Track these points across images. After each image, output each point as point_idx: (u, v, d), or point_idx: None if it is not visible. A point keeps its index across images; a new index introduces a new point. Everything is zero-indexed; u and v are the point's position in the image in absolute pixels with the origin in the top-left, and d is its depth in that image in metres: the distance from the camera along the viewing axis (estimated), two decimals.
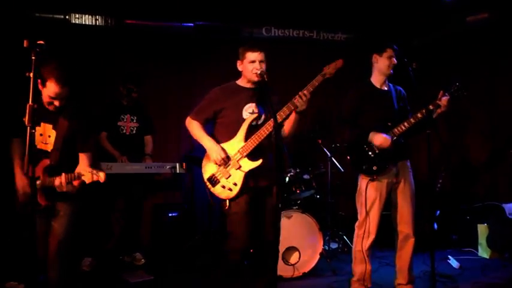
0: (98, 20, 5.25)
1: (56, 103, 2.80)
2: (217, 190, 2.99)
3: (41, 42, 2.40)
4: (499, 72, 5.43)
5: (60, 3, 5.08)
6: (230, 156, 2.97)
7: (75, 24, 5.16)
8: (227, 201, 2.97)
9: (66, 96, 2.83)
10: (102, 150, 4.58)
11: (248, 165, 2.94)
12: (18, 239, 3.82)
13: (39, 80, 2.73)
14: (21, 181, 2.85)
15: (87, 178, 2.79)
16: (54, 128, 2.89)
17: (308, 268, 4.13)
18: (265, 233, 2.99)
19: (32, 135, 2.37)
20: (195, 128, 3.11)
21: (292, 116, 2.97)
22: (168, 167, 4.47)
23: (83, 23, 5.20)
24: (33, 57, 2.38)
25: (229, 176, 2.96)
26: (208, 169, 3.04)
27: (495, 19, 5.28)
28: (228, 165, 2.97)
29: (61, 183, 2.75)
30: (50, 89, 2.75)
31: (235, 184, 2.94)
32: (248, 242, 2.98)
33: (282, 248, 3.67)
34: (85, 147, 2.96)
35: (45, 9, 5.04)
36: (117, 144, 4.57)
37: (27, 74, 2.37)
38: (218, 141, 3.04)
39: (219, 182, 2.98)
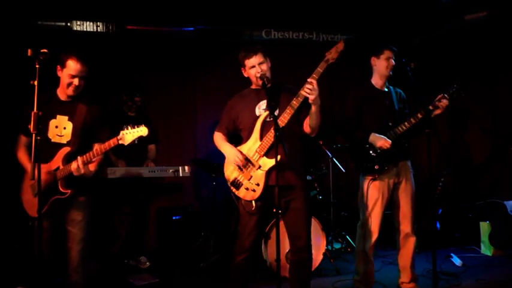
0: (99, 26, 5.30)
1: (76, 82, 2.91)
2: (241, 193, 2.98)
3: (45, 50, 2.45)
4: (498, 69, 5.45)
5: (62, 10, 5.13)
6: (249, 157, 2.97)
7: (76, 31, 5.22)
8: (253, 202, 2.94)
9: (85, 77, 2.95)
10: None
11: (268, 163, 2.91)
12: (26, 244, 3.87)
13: (58, 66, 2.91)
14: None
15: (126, 138, 2.83)
16: (70, 120, 2.96)
17: (312, 268, 4.15)
18: (294, 239, 2.94)
19: (37, 142, 2.41)
20: (217, 138, 3.19)
21: (312, 110, 2.91)
22: (170, 170, 4.51)
23: (85, 29, 5.26)
24: (37, 66, 2.43)
25: (251, 177, 2.95)
26: (230, 174, 3.04)
27: (493, 17, 5.31)
28: (247, 167, 2.97)
29: (78, 166, 2.80)
30: (71, 67, 2.88)
31: (257, 184, 2.92)
32: (253, 243, 3.00)
33: (285, 249, 3.69)
34: (101, 137, 3.01)
35: (47, 17, 5.10)
36: (118, 153, 4.62)
37: (31, 82, 2.43)
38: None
39: (242, 184, 2.98)
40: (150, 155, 4.89)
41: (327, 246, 4.34)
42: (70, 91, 2.95)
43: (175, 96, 5.75)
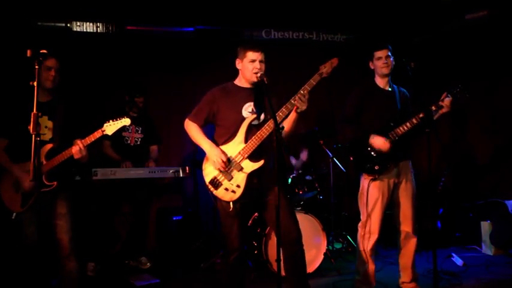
0: (99, 27, 5.29)
1: (52, 73, 3.05)
2: (220, 193, 2.96)
3: (44, 51, 2.46)
4: (500, 69, 5.44)
5: (62, 11, 5.13)
6: (231, 158, 2.96)
7: (76, 32, 5.21)
8: (231, 203, 2.94)
9: (59, 70, 3.10)
10: (105, 157, 4.63)
11: (250, 166, 2.93)
12: (22, 246, 3.88)
13: (36, 66, 2.91)
14: (18, 172, 3.03)
15: (109, 129, 3.03)
16: (50, 119, 3.09)
17: (313, 268, 4.15)
18: (285, 234, 2.93)
19: (37, 143, 2.42)
20: (193, 130, 3.10)
21: (292, 116, 2.97)
22: (171, 171, 4.50)
23: (84, 30, 5.25)
24: (36, 67, 2.44)
25: (232, 178, 2.94)
26: (210, 172, 3.01)
27: (494, 16, 5.30)
28: (229, 167, 2.95)
29: (80, 148, 2.95)
30: (47, 62, 3.01)
31: (238, 186, 2.93)
32: (242, 242, 3.02)
33: None
34: (81, 132, 3.10)
35: (47, 18, 5.09)
36: (120, 154, 4.62)
37: (31, 83, 2.43)
38: (219, 144, 3.03)
39: (221, 184, 2.96)
40: (152, 155, 4.90)
41: (327, 246, 4.33)
42: (49, 84, 3.06)
43: (175, 97, 5.74)
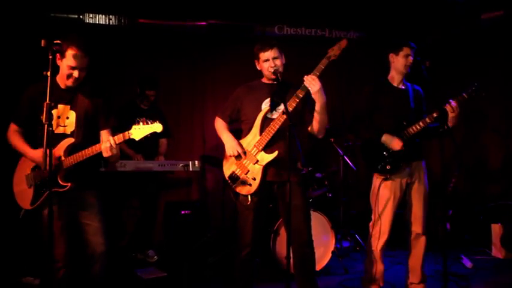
0: (111, 19, 5.29)
1: (75, 74, 2.71)
2: (238, 186, 3.02)
3: (58, 41, 2.45)
4: None
5: (75, 3, 5.14)
6: (247, 151, 3.00)
7: (89, 23, 5.22)
8: (249, 196, 2.98)
9: (85, 68, 2.75)
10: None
11: (265, 158, 2.95)
12: (34, 235, 3.89)
13: (57, 55, 2.67)
14: (35, 154, 2.73)
15: (137, 134, 2.67)
16: (72, 109, 2.80)
17: (320, 266, 4.13)
18: (296, 234, 2.94)
19: (49, 133, 2.40)
20: (218, 125, 3.22)
21: (316, 107, 2.94)
22: (181, 164, 4.48)
23: (97, 22, 5.25)
24: (50, 57, 2.43)
25: (248, 171, 2.98)
26: (229, 167, 3.08)
27: (510, 16, 5.22)
28: (245, 160, 2.99)
29: (111, 145, 2.64)
30: (70, 58, 2.67)
31: (254, 179, 2.96)
32: (255, 238, 3.04)
33: None
34: (108, 123, 2.91)
35: (60, 9, 5.10)
36: (130, 146, 4.62)
37: (44, 72, 2.42)
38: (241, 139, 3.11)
39: (239, 178, 3.01)
40: (162, 149, 4.90)
41: (335, 244, 4.31)
42: (70, 83, 2.76)
43: (185, 91, 5.73)
